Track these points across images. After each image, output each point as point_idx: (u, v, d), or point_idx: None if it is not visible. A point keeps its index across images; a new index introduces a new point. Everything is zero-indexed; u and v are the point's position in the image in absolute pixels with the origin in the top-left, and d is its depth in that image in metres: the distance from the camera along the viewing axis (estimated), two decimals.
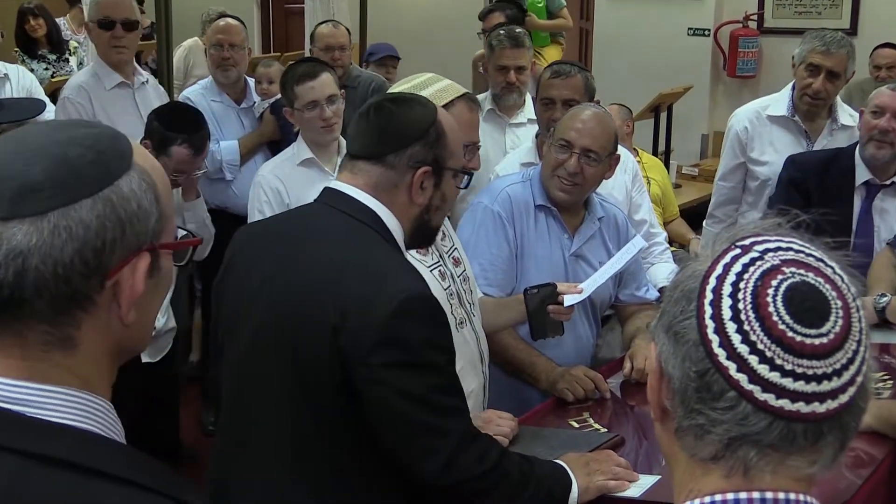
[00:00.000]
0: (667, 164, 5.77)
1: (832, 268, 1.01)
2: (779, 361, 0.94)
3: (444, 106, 2.33)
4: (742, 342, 0.95)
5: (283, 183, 3.41)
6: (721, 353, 0.96)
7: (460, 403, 1.91)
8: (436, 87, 2.37)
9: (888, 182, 3.47)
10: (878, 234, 3.46)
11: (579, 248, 2.96)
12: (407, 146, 1.95)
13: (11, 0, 7.15)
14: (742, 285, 0.98)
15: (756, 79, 7.49)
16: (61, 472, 0.96)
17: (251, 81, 4.59)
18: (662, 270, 3.49)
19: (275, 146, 4.31)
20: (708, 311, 0.98)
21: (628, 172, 3.63)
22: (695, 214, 5.20)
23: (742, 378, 0.95)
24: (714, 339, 0.97)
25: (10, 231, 0.97)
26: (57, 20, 7.29)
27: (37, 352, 1.01)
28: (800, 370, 0.94)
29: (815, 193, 3.47)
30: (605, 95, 4.39)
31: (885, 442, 2.35)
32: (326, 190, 2.02)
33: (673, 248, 4.13)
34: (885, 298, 3.08)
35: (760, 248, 1.01)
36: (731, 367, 0.96)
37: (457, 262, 2.48)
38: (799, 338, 0.95)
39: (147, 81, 4.20)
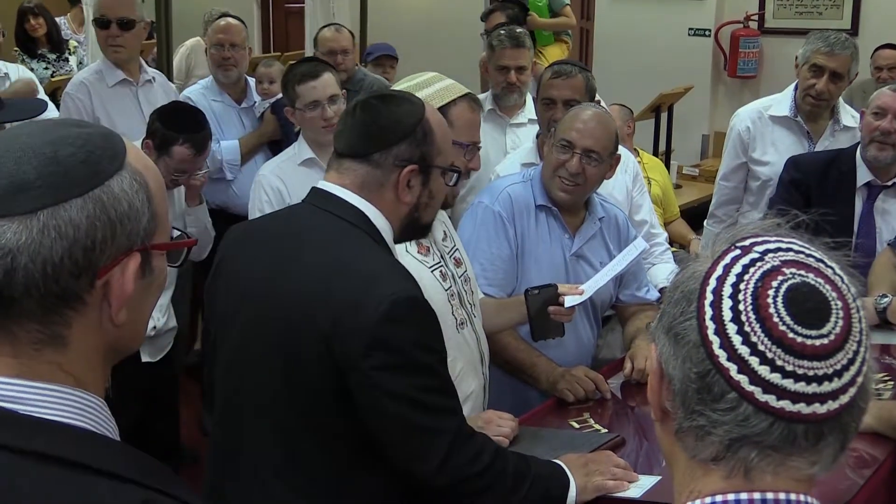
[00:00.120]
0: (667, 165, 5.77)
1: (832, 268, 1.00)
2: (780, 363, 0.94)
3: (446, 105, 2.33)
4: (743, 343, 0.95)
5: (284, 182, 3.41)
6: (722, 355, 0.96)
7: (453, 403, 1.91)
8: (437, 87, 2.37)
9: (889, 183, 3.47)
10: (879, 235, 3.46)
11: (580, 248, 2.96)
12: (393, 145, 1.94)
13: None
14: (742, 286, 0.97)
15: (757, 79, 7.49)
16: (53, 469, 0.96)
17: (252, 81, 4.59)
18: (663, 271, 3.49)
19: (275, 146, 4.31)
20: (708, 312, 0.98)
21: (629, 173, 3.63)
22: (695, 215, 5.19)
23: (743, 379, 0.95)
24: (715, 341, 0.97)
25: None
26: (57, 19, 7.29)
27: (28, 350, 1.01)
28: (800, 371, 0.94)
29: (816, 194, 3.46)
30: (606, 95, 4.38)
31: (886, 443, 2.35)
32: (314, 190, 2.01)
33: (673, 249, 4.13)
34: (885, 299, 3.08)
35: (760, 248, 1.01)
36: (732, 369, 0.95)
37: (458, 263, 2.47)
38: (800, 339, 0.95)
39: (153, 80, 4.21)
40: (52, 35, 7.00)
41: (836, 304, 0.97)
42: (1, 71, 4.72)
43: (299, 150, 3.59)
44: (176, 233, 1.14)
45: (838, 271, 1.01)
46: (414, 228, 2.05)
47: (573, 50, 6.56)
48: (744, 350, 0.95)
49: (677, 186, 5.89)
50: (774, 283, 0.97)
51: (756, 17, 7.47)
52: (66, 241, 0.98)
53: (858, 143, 3.51)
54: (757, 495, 0.97)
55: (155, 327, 3.53)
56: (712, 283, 0.99)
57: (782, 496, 0.98)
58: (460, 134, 2.33)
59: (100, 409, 1.04)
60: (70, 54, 7.10)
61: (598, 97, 3.63)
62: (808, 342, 0.95)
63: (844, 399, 0.96)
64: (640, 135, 5.39)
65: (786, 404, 0.94)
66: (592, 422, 2.55)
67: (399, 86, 2.39)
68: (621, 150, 3.07)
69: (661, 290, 3.14)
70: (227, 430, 1.99)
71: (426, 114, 1.99)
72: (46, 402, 1.00)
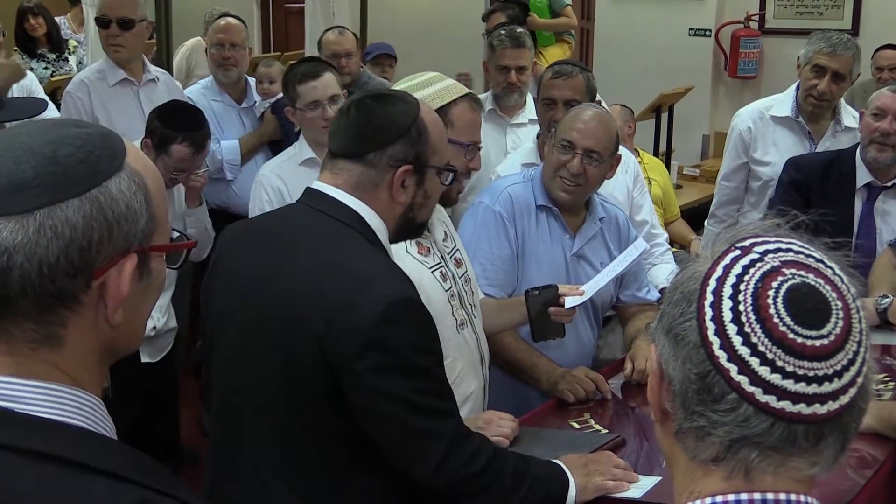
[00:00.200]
0: (668, 165, 5.76)
1: (832, 269, 1.00)
2: (780, 363, 0.94)
3: (446, 105, 2.33)
4: (743, 344, 0.95)
5: (285, 182, 3.41)
6: (722, 356, 0.96)
7: (450, 405, 1.91)
8: (438, 87, 2.36)
9: (889, 184, 3.46)
10: (879, 236, 3.45)
11: (580, 248, 2.96)
12: (387, 145, 1.93)
13: None
14: (742, 287, 0.97)
15: (757, 79, 7.48)
16: (50, 468, 0.96)
17: (252, 81, 4.59)
18: (663, 271, 3.49)
19: (275, 146, 4.31)
20: (708, 312, 0.98)
21: (630, 173, 3.63)
22: (696, 215, 5.19)
23: (743, 380, 0.95)
24: (715, 341, 0.96)
25: None
26: (57, 19, 7.28)
27: (24, 349, 1.01)
28: (801, 372, 0.94)
29: (816, 195, 3.46)
30: (606, 95, 4.38)
31: (886, 443, 2.35)
32: (308, 191, 2.00)
33: (674, 249, 4.13)
34: (886, 300, 3.07)
35: (760, 249, 1.00)
36: (733, 370, 0.95)
37: (458, 263, 2.47)
38: (800, 339, 0.94)
39: (157, 79, 4.21)
40: (52, 35, 6.99)
41: (836, 305, 0.97)
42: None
43: (300, 149, 3.59)
44: (175, 234, 1.14)
45: (838, 272, 1.00)
46: (409, 228, 2.04)
47: (574, 50, 6.54)
48: (744, 351, 0.95)
49: (678, 187, 5.88)
50: (774, 284, 0.97)
51: (756, 18, 7.46)
52: (63, 241, 0.98)
53: (858, 144, 3.51)
54: (757, 496, 0.97)
55: (155, 328, 3.53)
56: (712, 283, 0.99)
57: (782, 496, 0.97)
58: (461, 134, 2.33)
59: (97, 408, 1.04)
60: (70, 54, 7.10)
61: (598, 97, 3.63)
62: (809, 343, 0.94)
63: (845, 399, 0.96)
64: (640, 135, 5.39)
65: (786, 405, 0.94)
66: (593, 422, 2.55)
67: (400, 85, 2.39)
68: (622, 150, 3.06)
69: (661, 291, 3.14)
70: (225, 428, 1.99)
71: (421, 113, 1.98)
72: (43, 401, 1.00)
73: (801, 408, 0.94)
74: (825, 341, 0.95)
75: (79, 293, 1.01)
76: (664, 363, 1.02)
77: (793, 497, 0.98)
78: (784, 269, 0.98)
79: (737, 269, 0.99)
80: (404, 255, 2.26)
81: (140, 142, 3.32)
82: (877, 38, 6.36)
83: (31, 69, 6.04)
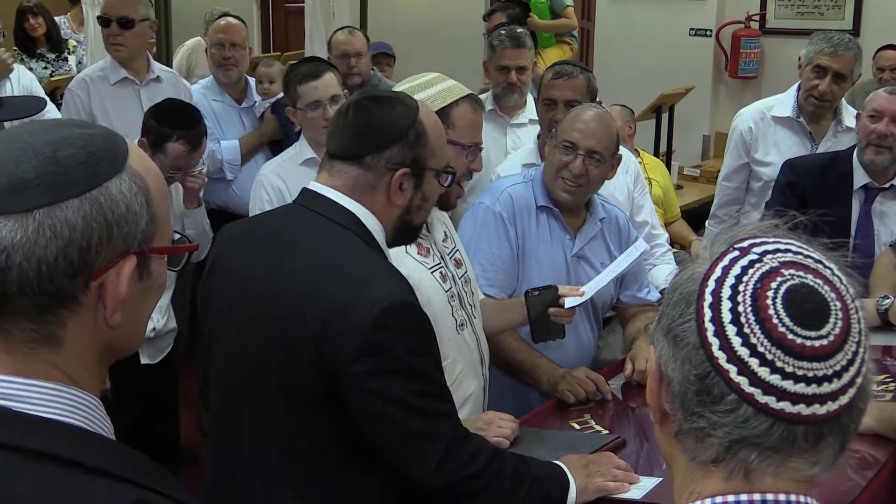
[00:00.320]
0: (668, 165, 5.75)
1: (831, 269, 1.00)
2: (779, 364, 0.94)
3: (448, 106, 2.32)
4: (742, 345, 0.95)
5: (286, 182, 3.40)
6: (721, 356, 0.96)
7: (448, 407, 1.91)
8: (440, 87, 2.36)
9: (887, 185, 3.45)
10: (878, 238, 3.45)
11: (581, 248, 2.95)
12: (385, 148, 1.92)
13: None
14: (741, 288, 0.97)
15: (758, 79, 7.47)
16: (48, 467, 0.96)
17: (252, 81, 4.59)
18: (664, 272, 3.49)
19: (276, 146, 4.31)
20: (707, 313, 0.98)
21: (630, 173, 3.63)
22: (696, 215, 5.19)
23: (743, 381, 0.95)
24: (714, 342, 0.96)
25: None
26: (57, 19, 7.28)
27: (22, 348, 1.01)
28: (800, 372, 0.94)
29: (813, 197, 3.45)
30: (607, 96, 4.38)
31: (887, 444, 2.34)
32: (305, 191, 1.99)
33: (674, 250, 4.13)
34: (887, 300, 3.07)
35: (759, 250, 1.00)
36: (732, 370, 0.95)
37: (458, 264, 2.47)
38: (799, 340, 0.94)
39: (159, 78, 4.20)
40: (52, 34, 6.99)
41: (834, 305, 0.97)
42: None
43: (300, 149, 3.58)
44: (177, 236, 1.14)
45: (837, 272, 1.00)
46: (406, 231, 2.03)
47: (575, 52, 6.53)
48: (743, 352, 0.95)
49: (678, 187, 5.88)
50: (773, 285, 0.97)
51: (757, 18, 7.46)
52: (62, 241, 0.98)
53: (855, 146, 3.50)
54: (757, 496, 0.97)
55: (154, 329, 3.52)
56: (711, 284, 0.99)
57: (782, 497, 0.97)
58: (462, 135, 2.32)
59: (95, 407, 1.04)
60: (69, 54, 7.10)
61: (598, 97, 3.62)
62: (808, 343, 0.94)
63: (844, 400, 0.96)
64: (640, 135, 5.38)
65: (786, 405, 0.94)
66: (593, 423, 2.55)
67: (401, 86, 2.39)
68: (622, 150, 3.06)
69: (662, 292, 3.13)
70: (224, 428, 1.99)
71: (420, 116, 1.97)
72: (41, 400, 1.00)
73: (801, 408, 0.94)
74: (824, 342, 0.95)
75: (78, 293, 1.01)
76: (663, 364, 1.02)
77: (792, 497, 0.98)
78: (783, 270, 0.98)
79: (735, 270, 0.99)
80: (404, 255, 2.26)
81: (136, 141, 3.31)
82: (878, 39, 6.35)
83: (31, 69, 6.04)
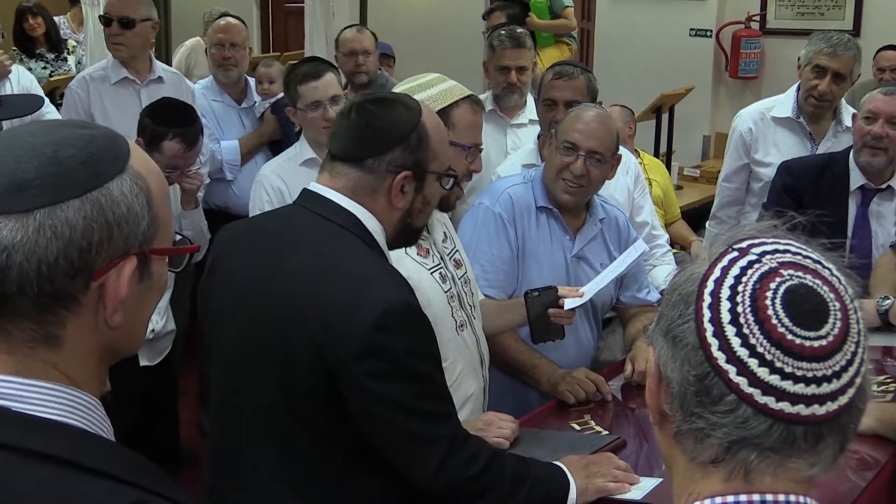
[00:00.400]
0: (668, 166, 5.75)
1: (829, 269, 1.00)
2: (779, 364, 0.94)
3: (448, 107, 2.32)
4: (741, 345, 0.95)
5: (286, 182, 3.40)
6: (720, 357, 0.96)
7: (448, 409, 1.91)
8: (440, 88, 2.36)
9: (884, 186, 3.44)
10: (874, 239, 3.44)
11: (581, 249, 2.95)
12: (387, 150, 1.92)
13: None
14: (740, 288, 0.97)
15: (758, 80, 7.47)
16: (45, 467, 0.96)
17: (252, 81, 4.59)
18: (664, 272, 3.49)
19: (275, 146, 4.30)
20: (706, 314, 0.98)
21: (630, 174, 3.62)
22: (696, 216, 5.19)
23: (742, 381, 0.95)
24: (713, 343, 0.96)
25: None
26: (56, 19, 7.28)
27: (22, 348, 1.01)
28: (799, 373, 0.94)
29: (809, 198, 3.44)
30: (607, 96, 4.38)
31: (888, 445, 2.34)
32: (305, 192, 1.99)
33: (674, 251, 4.12)
34: (888, 301, 3.06)
35: (758, 250, 1.00)
36: (731, 371, 0.95)
37: (458, 265, 2.47)
38: (798, 340, 0.94)
39: (161, 79, 4.20)
40: (51, 35, 6.99)
41: (833, 306, 0.97)
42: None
43: (300, 150, 3.58)
44: (178, 237, 1.14)
45: (836, 272, 1.00)
46: (407, 233, 2.03)
47: (574, 52, 6.53)
48: (743, 352, 0.95)
49: (678, 187, 5.87)
50: (772, 285, 0.97)
51: (757, 18, 7.46)
52: (62, 242, 0.98)
53: (851, 147, 3.49)
54: (756, 497, 0.97)
55: (153, 330, 3.51)
56: (710, 285, 0.99)
57: (781, 497, 0.97)
58: (462, 136, 2.32)
59: (94, 408, 1.04)
60: (69, 54, 7.10)
61: (598, 98, 3.62)
62: (807, 343, 0.94)
63: (843, 400, 0.96)
64: (640, 136, 5.38)
65: (785, 406, 0.94)
66: (593, 423, 2.54)
67: (401, 87, 2.39)
68: (623, 151, 3.06)
69: (661, 292, 3.13)
70: (225, 428, 1.99)
71: (422, 118, 1.96)
72: (41, 400, 1.00)
73: (800, 409, 0.94)
74: (823, 342, 0.95)
75: (78, 294, 1.01)
76: (662, 365, 1.02)
77: (792, 498, 0.98)
78: (782, 271, 0.98)
79: (735, 271, 0.99)
80: (403, 256, 2.25)
81: (133, 141, 3.30)
82: (878, 39, 6.34)
83: (30, 69, 6.04)
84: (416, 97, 2.11)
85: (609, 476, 2.09)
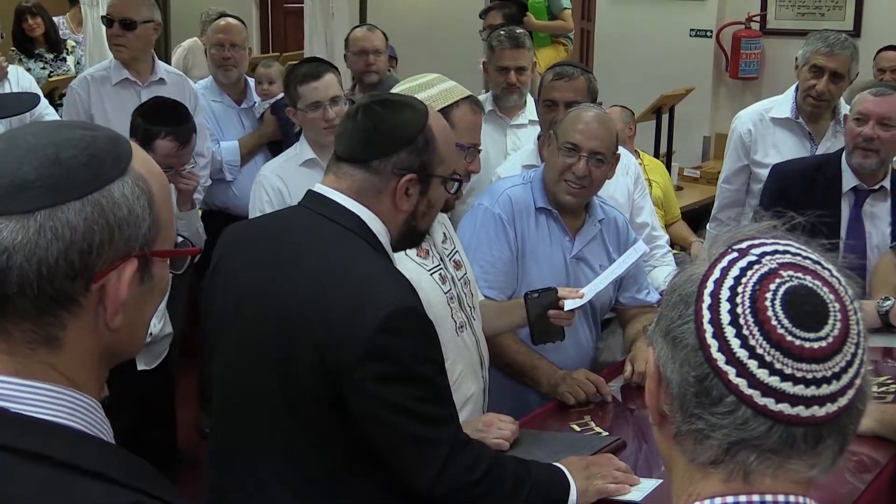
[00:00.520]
0: (668, 166, 5.75)
1: (829, 270, 1.00)
2: (778, 365, 0.94)
3: (448, 107, 2.32)
4: (741, 347, 0.95)
5: (286, 183, 3.40)
6: (720, 358, 0.96)
7: (450, 412, 1.90)
8: (440, 88, 2.36)
9: (877, 187, 3.43)
10: (869, 240, 3.42)
11: (580, 250, 2.95)
12: (392, 153, 1.92)
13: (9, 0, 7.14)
14: (740, 289, 0.97)
15: (758, 80, 7.46)
16: (44, 468, 0.96)
17: (251, 82, 4.59)
18: (664, 273, 3.49)
19: (275, 146, 4.30)
20: (706, 315, 0.98)
21: (630, 175, 3.62)
22: (696, 217, 5.18)
23: (741, 383, 0.95)
24: (713, 344, 0.96)
25: None
26: (56, 19, 7.29)
27: (22, 349, 1.01)
28: (799, 374, 0.94)
29: (802, 201, 3.42)
30: (607, 97, 4.37)
31: (888, 446, 2.34)
32: (310, 193, 1.99)
33: (674, 251, 4.12)
34: (888, 302, 3.06)
35: (757, 251, 1.00)
36: (731, 372, 0.95)
37: (458, 266, 2.46)
38: (798, 341, 0.94)
39: (163, 80, 4.20)
40: (50, 35, 7.00)
41: (833, 307, 0.97)
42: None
43: (300, 150, 3.58)
44: (179, 239, 1.14)
45: (835, 273, 1.00)
46: (411, 236, 2.03)
47: (574, 51, 6.54)
48: (742, 353, 0.95)
49: (678, 188, 5.87)
50: (772, 286, 0.96)
51: (758, 18, 7.45)
52: (62, 243, 0.98)
53: (843, 149, 3.48)
54: (756, 498, 0.97)
55: (151, 333, 3.50)
56: (709, 286, 0.99)
57: (781, 498, 0.97)
58: (461, 136, 2.32)
59: (94, 410, 1.04)
60: (68, 54, 7.10)
61: (598, 98, 3.62)
62: (807, 345, 0.94)
63: (843, 401, 0.95)
64: (640, 136, 5.38)
65: (784, 407, 0.94)
66: (593, 425, 2.54)
67: (401, 87, 2.39)
68: (623, 152, 3.06)
69: (661, 293, 3.13)
70: (226, 429, 1.99)
71: (429, 121, 1.96)
72: (40, 402, 1.00)
73: (800, 410, 0.94)
74: (823, 343, 0.95)
75: (78, 296, 1.01)
76: (662, 366, 1.01)
77: (791, 499, 0.98)
78: (782, 272, 0.98)
79: (734, 272, 0.99)
80: (403, 257, 2.25)
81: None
82: (878, 40, 6.33)
83: (29, 69, 6.04)
84: (415, 97, 2.11)
85: (609, 477, 2.09)
